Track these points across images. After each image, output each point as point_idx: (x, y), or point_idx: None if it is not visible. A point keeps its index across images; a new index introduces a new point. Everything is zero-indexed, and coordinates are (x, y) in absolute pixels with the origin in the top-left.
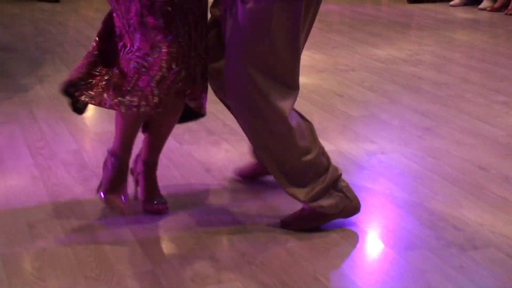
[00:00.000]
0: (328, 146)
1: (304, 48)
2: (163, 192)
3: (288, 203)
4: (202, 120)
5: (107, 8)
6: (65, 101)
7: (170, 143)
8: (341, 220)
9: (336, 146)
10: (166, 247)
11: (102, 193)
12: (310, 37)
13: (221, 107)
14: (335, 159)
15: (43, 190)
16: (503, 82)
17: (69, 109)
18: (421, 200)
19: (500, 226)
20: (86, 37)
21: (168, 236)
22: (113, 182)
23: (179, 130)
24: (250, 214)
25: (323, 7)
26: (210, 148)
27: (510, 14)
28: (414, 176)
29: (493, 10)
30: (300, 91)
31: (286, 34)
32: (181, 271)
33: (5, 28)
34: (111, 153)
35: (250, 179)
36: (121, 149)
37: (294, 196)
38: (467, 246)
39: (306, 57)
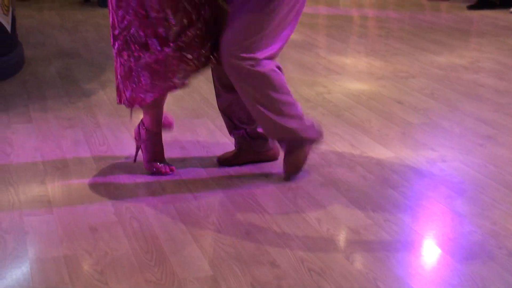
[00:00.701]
0: (387, 154)
1: (363, 54)
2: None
3: (349, 211)
4: None
5: None
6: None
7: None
8: (401, 227)
9: (396, 153)
10: (226, 252)
11: (147, 164)
12: (368, 44)
13: None
14: (395, 167)
15: (105, 194)
16: None
17: (129, 112)
18: (482, 209)
19: None
20: None
21: (228, 241)
22: (155, 153)
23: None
24: (310, 221)
25: (382, 14)
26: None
27: None
28: (475, 185)
29: None
30: (359, 98)
31: (279, 22)
32: (242, 277)
33: (69, 34)
34: (147, 129)
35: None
36: (155, 124)
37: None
38: None
39: (365, 64)
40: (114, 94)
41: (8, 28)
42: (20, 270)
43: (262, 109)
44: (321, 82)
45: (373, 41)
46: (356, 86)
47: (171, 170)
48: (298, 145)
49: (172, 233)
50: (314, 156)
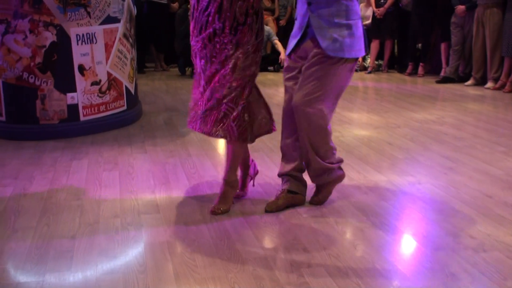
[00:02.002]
0: (382, 178)
1: (364, 111)
2: None
3: (356, 216)
4: None
5: None
6: (209, 142)
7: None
8: (391, 227)
9: (388, 177)
10: (273, 241)
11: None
12: (368, 104)
13: None
14: (386, 187)
15: (194, 202)
16: (502, 138)
17: (211, 147)
18: (446, 217)
19: (502, 236)
20: None
21: (273, 232)
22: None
23: None
24: (329, 222)
25: (378, 85)
26: None
27: (507, 92)
28: (441, 201)
29: (495, 89)
30: (361, 140)
31: (340, 81)
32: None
33: (171, 96)
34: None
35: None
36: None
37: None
38: (479, 249)
39: (365, 118)
40: (200, 135)
41: (132, 91)
42: (137, 250)
43: (315, 153)
44: (337, 129)
45: (372, 102)
46: (361, 132)
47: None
48: (328, 185)
49: (239, 229)
50: None
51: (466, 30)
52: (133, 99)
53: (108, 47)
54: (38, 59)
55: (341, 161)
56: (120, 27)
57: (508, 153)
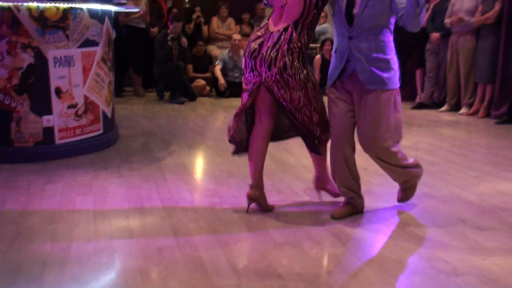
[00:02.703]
0: (369, 203)
1: None
2: None
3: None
4: None
5: (215, 109)
6: (185, 167)
7: None
8: (365, 252)
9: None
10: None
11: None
12: None
13: None
14: (370, 205)
15: (168, 226)
16: (476, 163)
17: (187, 173)
18: (420, 241)
19: (475, 260)
20: (200, 127)
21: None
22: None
23: None
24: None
25: None
26: None
27: (480, 117)
28: (415, 225)
29: (468, 114)
30: None
31: (391, 113)
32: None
33: (149, 120)
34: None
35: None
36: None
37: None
38: (452, 274)
39: None
40: (177, 160)
41: (109, 115)
42: (110, 276)
43: (394, 168)
44: None
45: None
46: None
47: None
48: (412, 185)
49: (212, 255)
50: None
51: (440, 57)
52: (109, 123)
53: (86, 70)
54: (15, 81)
55: (417, 164)
56: (98, 50)
57: (481, 177)
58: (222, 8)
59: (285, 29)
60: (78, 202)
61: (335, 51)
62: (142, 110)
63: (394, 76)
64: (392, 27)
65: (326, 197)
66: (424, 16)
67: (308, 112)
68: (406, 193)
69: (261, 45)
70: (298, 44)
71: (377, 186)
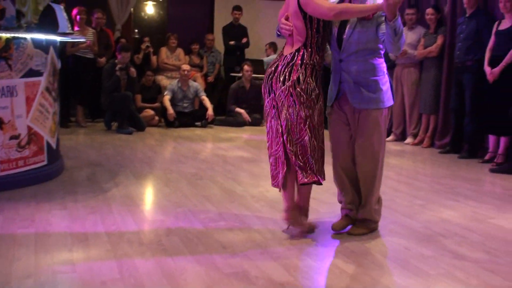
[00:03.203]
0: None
1: None
2: None
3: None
4: None
5: (163, 139)
6: (132, 198)
7: None
8: (312, 281)
9: (315, 233)
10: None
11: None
12: None
13: None
14: (308, 242)
15: (113, 259)
16: (420, 191)
17: (134, 204)
18: (366, 269)
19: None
20: (148, 157)
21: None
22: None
23: None
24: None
25: None
26: None
27: (425, 147)
28: (361, 253)
29: (414, 144)
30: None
31: (385, 126)
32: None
33: (95, 150)
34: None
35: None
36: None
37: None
38: None
39: None
40: (124, 190)
41: (54, 145)
42: None
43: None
44: (262, 185)
45: None
46: None
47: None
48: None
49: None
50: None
51: None
52: (54, 154)
53: (29, 101)
54: None
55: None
56: (42, 80)
57: (426, 206)
58: (171, 38)
59: (297, 50)
60: (19, 236)
61: (331, 73)
62: (89, 140)
63: (382, 96)
64: (382, 51)
65: (272, 227)
66: (404, 41)
67: (306, 137)
68: (361, 226)
69: (276, 67)
70: (311, 61)
71: (325, 214)
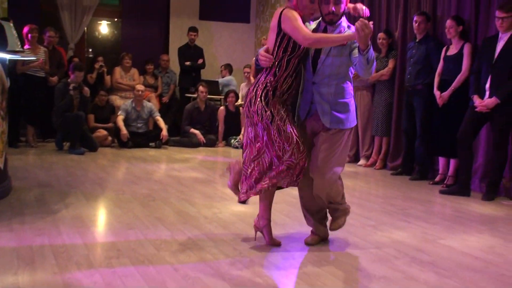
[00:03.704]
0: (257, 254)
1: None
2: None
3: None
4: None
5: (116, 160)
6: (81, 219)
7: None
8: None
9: (263, 253)
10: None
11: (269, 240)
12: None
13: None
14: (261, 263)
15: (60, 282)
16: (372, 212)
17: (83, 225)
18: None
19: None
20: (100, 178)
21: None
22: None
23: None
24: None
25: None
26: None
27: (378, 169)
28: (313, 274)
29: (367, 166)
30: (238, 216)
31: (347, 145)
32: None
33: (45, 171)
34: (265, 218)
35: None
36: (269, 213)
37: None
38: None
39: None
40: (74, 212)
41: (1, 166)
42: None
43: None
44: (215, 206)
45: None
46: (239, 208)
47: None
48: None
49: None
50: None
51: None
52: (1, 175)
53: None
54: None
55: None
56: None
57: (377, 227)
58: (126, 58)
59: (262, 71)
60: None
61: (301, 93)
62: (39, 160)
63: (350, 116)
64: (351, 75)
65: (224, 248)
66: (375, 66)
67: (267, 156)
68: (336, 220)
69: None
70: (263, 84)
71: (277, 237)
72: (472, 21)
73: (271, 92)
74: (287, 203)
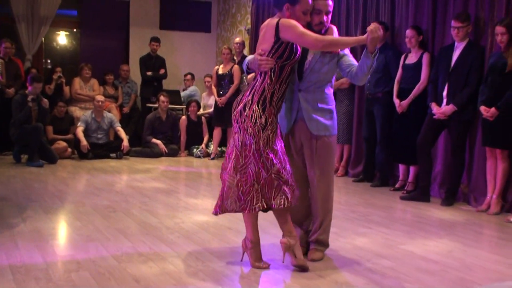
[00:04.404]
0: (220, 264)
1: (207, 196)
2: None
3: None
4: None
5: (76, 171)
6: (40, 233)
7: None
8: None
9: (226, 262)
10: None
11: (253, 263)
12: (211, 190)
13: None
14: (225, 273)
15: None
16: (334, 219)
17: (42, 239)
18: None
19: None
20: (59, 190)
21: None
22: (257, 255)
23: None
24: None
25: (217, 171)
26: None
27: (339, 176)
28: (273, 281)
29: None
30: (201, 225)
31: (331, 153)
32: None
33: (3, 185)
34: (250, 240)
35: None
36: (255, 235)
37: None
38: None
39: (208, 203)
40: (32, 226)
41: None
42: None
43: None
44: (178, 216)
45: (214, 188)
46: (201, 218)
47: (268, 266)
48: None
49: None
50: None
51: None
52: None
53: None
54: None
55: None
56: None
57: (339, 233)
58: (85, 69)
59: (254, 78)
60: None
61: (285, 102)
62: None
63: (334, 123)
64: (333, 82)
65: (187, 258)
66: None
67: (251, 165)
68: (318, 250)
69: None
70: (260, 88)
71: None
72: (430, 31)
73: (269, 98)
74: None
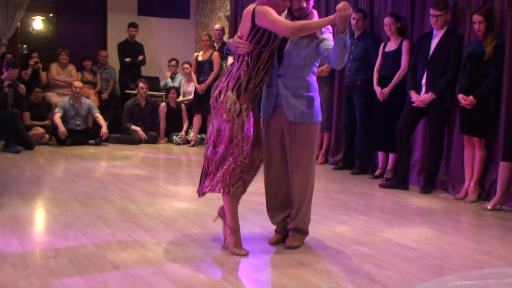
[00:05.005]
0: (200, 251)
1: (186, 184)
2: None
3: None
4: None
5: (54, 158)
6: (17, 219)
7: None
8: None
9: (206, 250)
10: None
11: (232, 250)
12: (191, 177)
13: None
14: (205, 259)
15: None
16: (314, 207)
17: (19, 226)
18: (262, 286)
19: None
20: (37, 176)
21: None
22: (237, 242)
23: None
24: None
25: (201, 158)
26: None
27: (319, 164)
28: (256, 268)
29: None
30: (180, 212)
31: (316, 139)
32: None
33: None
34: (229, 227)
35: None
36: (234, 221)
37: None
38: None
39: (188, 190)
40: (8, 212)
41: None
42: None
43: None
44: (157, 203)
45: (194, 175)
46: (181, 205)
47: (248, 252)
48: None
49: None
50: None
51: None
52: None
53: None
54: None
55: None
56: None
57: (319, 221)
58: (62, 54)
59: (232, 64)
60: None
61: (266, 87)
62: None
63: (316, 111)
64: (315, 69)
65: (166, 245)
66: (347, 57)
67: (222, 150)
68: (297, 238)
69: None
70: (236, 75)
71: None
72: (408, 18)
73: (244, 85)
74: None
